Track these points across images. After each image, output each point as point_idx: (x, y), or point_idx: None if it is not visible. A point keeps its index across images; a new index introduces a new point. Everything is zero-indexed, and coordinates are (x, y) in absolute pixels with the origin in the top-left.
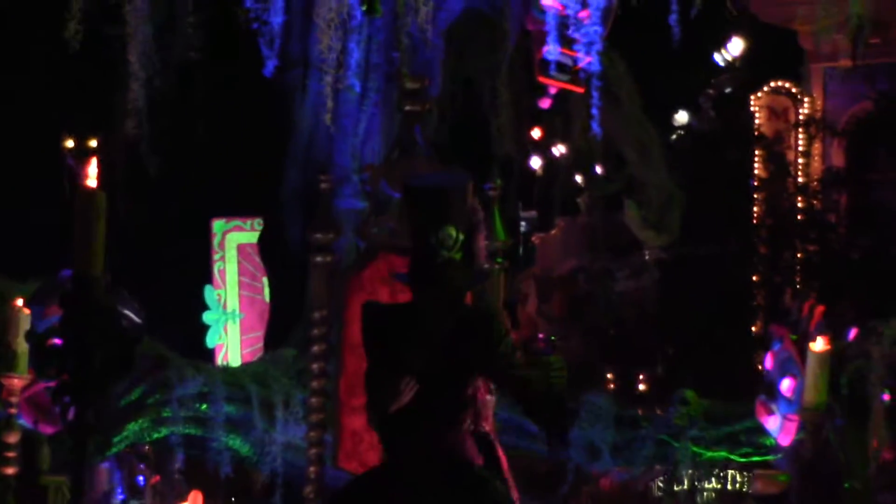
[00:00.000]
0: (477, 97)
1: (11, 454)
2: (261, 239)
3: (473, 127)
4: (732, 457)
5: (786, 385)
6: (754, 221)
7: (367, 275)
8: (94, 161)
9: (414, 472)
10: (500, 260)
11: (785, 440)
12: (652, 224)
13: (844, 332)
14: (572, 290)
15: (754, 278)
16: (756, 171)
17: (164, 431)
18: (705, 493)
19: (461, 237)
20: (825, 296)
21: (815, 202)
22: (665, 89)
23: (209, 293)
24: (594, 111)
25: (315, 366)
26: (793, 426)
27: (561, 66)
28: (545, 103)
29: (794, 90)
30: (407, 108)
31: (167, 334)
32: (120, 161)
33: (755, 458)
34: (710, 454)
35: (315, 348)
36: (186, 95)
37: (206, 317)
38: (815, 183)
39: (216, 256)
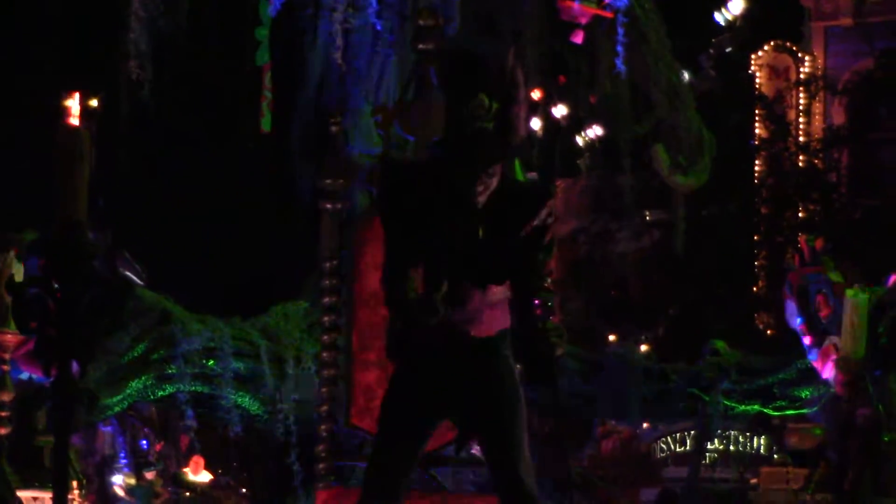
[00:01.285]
0: (499, 38)
1: (4, 414)
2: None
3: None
4: (766, 410)
5: (821, 308)
6: (755, 181)
7: (378, 221)
8: (76, 97)
9: (444, 361)
10: None
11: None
12: (682, 168)
13: (882, 280)
14: (573, 252)
15: (755, 238)
16: (756, 131)
17: (168, 389)
18: (708, 455)
19: (495, 106)
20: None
21: (816, 161)
22: None
23: None
24: (620, 48)
25: (326, 318)
26: None
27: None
28: (578, 37)
29: (794, 49)
30: (421, 46)
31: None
32: (124, 110)
33: (789, 412)
34: (742, 408)
35: (326, 300)
36: (191, 40)
37: None
38: (816, 142)
39: None
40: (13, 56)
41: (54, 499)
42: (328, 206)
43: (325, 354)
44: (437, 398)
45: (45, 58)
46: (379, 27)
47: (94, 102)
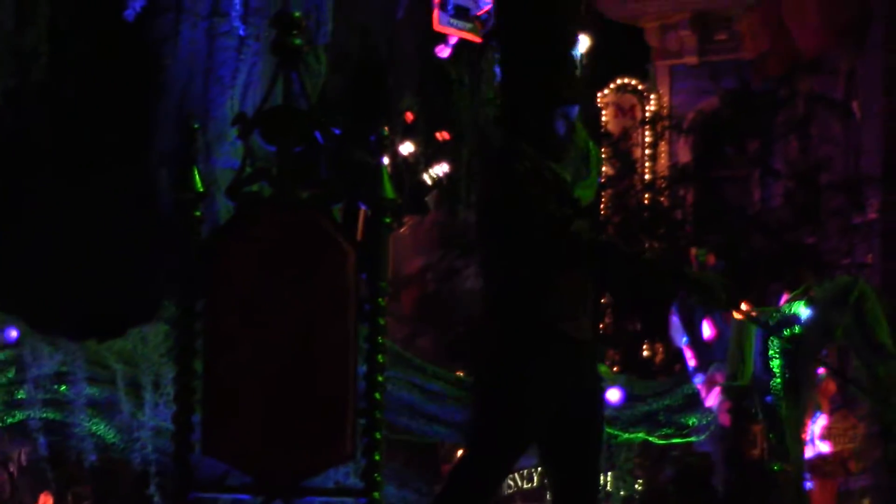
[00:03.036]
0: (374, 47)
1: None
2: None
3: (371, 79)
4: (651, 438)
5: (707, 331)
6: (601, 219)
7: (236, 239)
8: None
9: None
10: (388, 220)
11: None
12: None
13: (775, 300)
14: (421, 289)
15: None
16: (603, 169)
17: (18, 416)
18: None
19: None
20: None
21: (662, 199)
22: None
23: None
24: (497, 67)
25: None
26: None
27: (461, 12)
28: (444, 52)
29: (639, 87)
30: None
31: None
32: None
33: (676, 440)
34: (626, 436)
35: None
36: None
37: None
38: (662, 180)
39: None
40: None
41: None
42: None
43: (181, 378)
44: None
45: None
46: (243, 32)
47: None
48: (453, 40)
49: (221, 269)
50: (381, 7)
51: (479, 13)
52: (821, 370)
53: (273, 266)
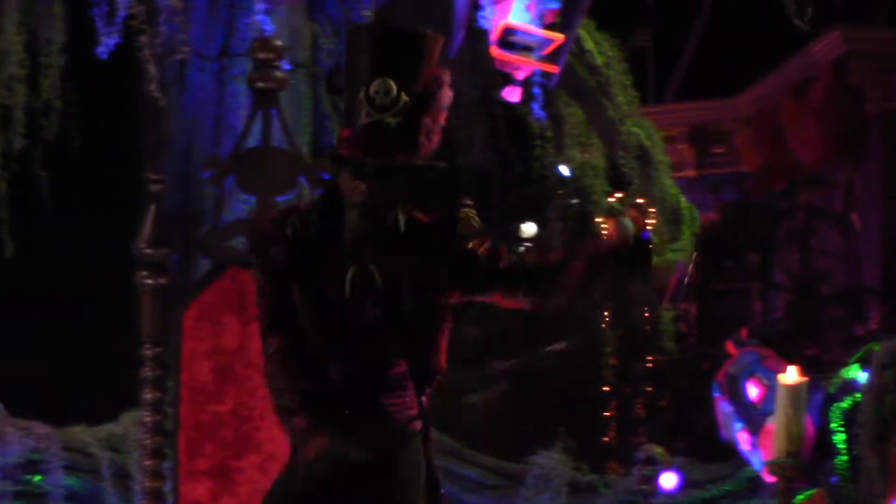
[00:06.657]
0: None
1: None
2: None
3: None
4: None
5: (753, 392)
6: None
7: (209, 299)
8: None
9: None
10: None
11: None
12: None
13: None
14: None
15: (605, 389)
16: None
17: None
18: None
19: (405, 99)
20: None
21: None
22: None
23: None
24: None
25: (148, 418)
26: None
27: (523, 48)
28: (512, 94)
29: (640, 200)
30: (259, 85)
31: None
32: None
33: None
34: None
35: (148, 395)
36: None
37: None
38: None
39: None
40: None
41: None
42: (148, 280)
43: (147, 463)
44: None
45: None
46: None
47: None
48: (522, 76)
49: (196, 330)
50: None
51: (547, 51)
52: None
53: (251, 327)
